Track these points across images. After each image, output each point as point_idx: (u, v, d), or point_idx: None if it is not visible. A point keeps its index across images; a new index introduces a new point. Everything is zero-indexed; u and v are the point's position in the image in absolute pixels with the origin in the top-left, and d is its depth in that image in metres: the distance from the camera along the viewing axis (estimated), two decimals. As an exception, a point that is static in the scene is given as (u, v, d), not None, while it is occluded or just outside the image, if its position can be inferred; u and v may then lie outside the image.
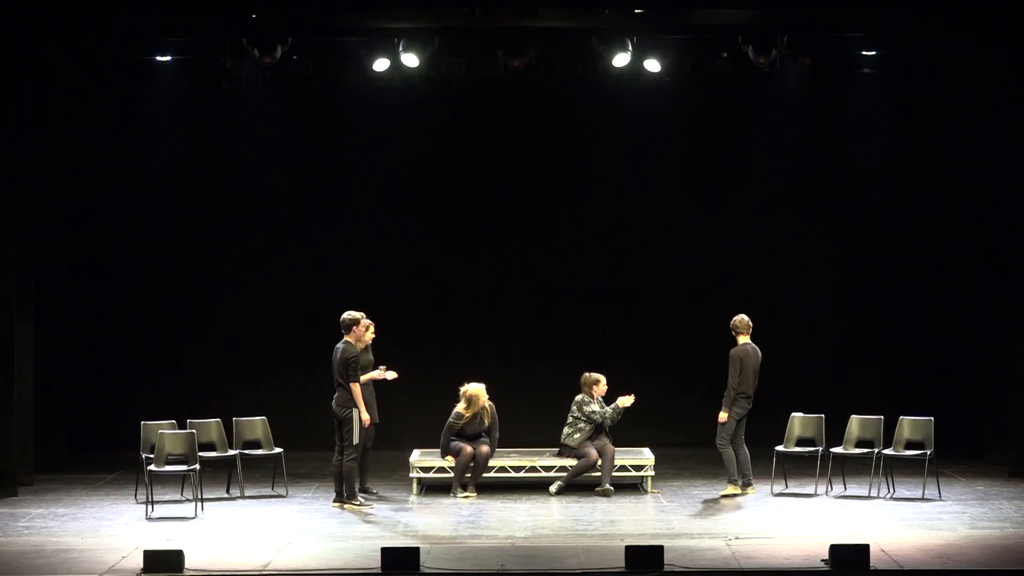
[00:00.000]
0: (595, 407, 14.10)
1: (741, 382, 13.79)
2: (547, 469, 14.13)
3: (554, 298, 16.98)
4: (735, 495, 13.83)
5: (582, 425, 14.11)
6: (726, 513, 13.07)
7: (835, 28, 15.47)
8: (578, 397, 14.17)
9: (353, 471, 13.43)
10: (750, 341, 13.98)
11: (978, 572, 10.69)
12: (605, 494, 13.86)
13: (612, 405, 14.08)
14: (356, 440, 13.32)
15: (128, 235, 16.95)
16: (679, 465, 15.47)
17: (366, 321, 13.68)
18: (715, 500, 13.75)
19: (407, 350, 15.35)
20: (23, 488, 14.36)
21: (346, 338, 13.41)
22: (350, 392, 13.24)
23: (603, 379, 14.18)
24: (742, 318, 14.01)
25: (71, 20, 14.70)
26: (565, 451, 14.16)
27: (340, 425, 13.40)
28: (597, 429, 14.11)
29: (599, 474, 14.00)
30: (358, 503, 13.41)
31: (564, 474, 14.01)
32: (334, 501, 13.55)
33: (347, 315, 13.47)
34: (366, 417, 13.32)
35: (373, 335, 13.85)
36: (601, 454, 13.98)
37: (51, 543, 11.80)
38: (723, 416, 13.81)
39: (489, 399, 14.08)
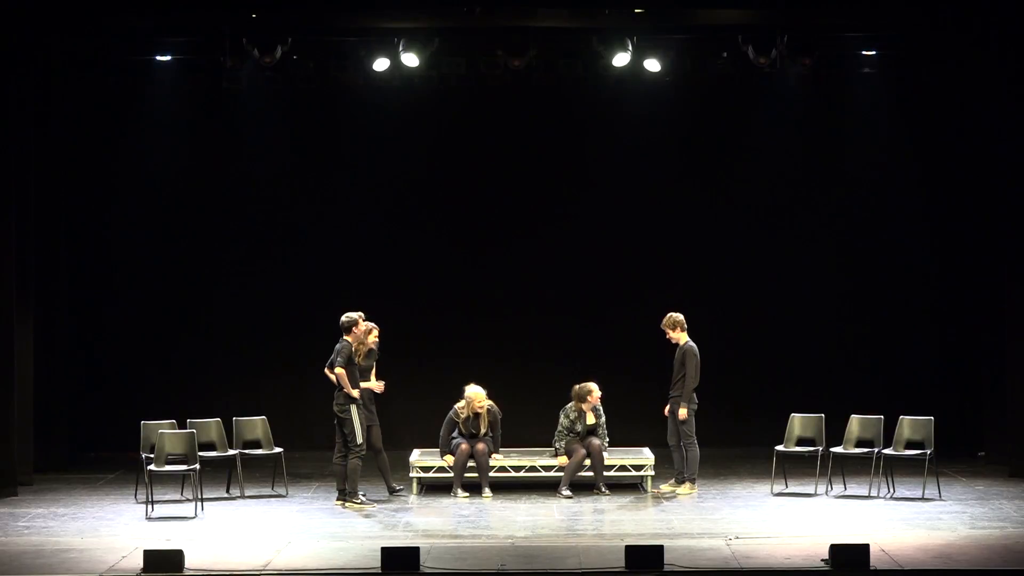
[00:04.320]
0: (564, 421, 14.10)
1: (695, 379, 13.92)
2: (547, 469, 14.14)
3: (554, 298, 16.97)
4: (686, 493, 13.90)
5: (565, 433, 14.13)
6: (726, 513, 13.07)
7: (835, 28, 15.47)
8: (567, 406, 14.18)
9: (357, 469, 13.44)
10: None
11: (978, 572, 10.69)
12: (599, 493, 13.88)
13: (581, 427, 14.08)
14: (360, 439, 13.34)
15: (128, 235, 16.95)
16: (679, 465, 15.47)
17: (369, 324, 13.73)
18: (711, 499, 13.77)
19: (407, 350, 15.38)
20: (23, 488, 14.36)
21: (345, 338, 13.43)
22: (341, 386, 13.27)
23: (595, 388, 14.12)
24: (681, 316, 14.00)
25: (71, 20, 14.70)
26: (559, 452, 14.18)
27: (340, 425, 13.42)
28: (589, 434, 14.10)
29: (592, 474, 14.03)
30: (359, 502, 13.42)
31: (562, 474, 14.02)
32: (337, 500, 13.57)
33: (345, 317, 13.50)
34: (355, 393, 13.31)
35: (376, 339, 13.87)
36: (589, 454, 13.99)
37: (51, 543, 11.80)
38: (684, 413, 13.84)
39: (492, 403, 14.13)
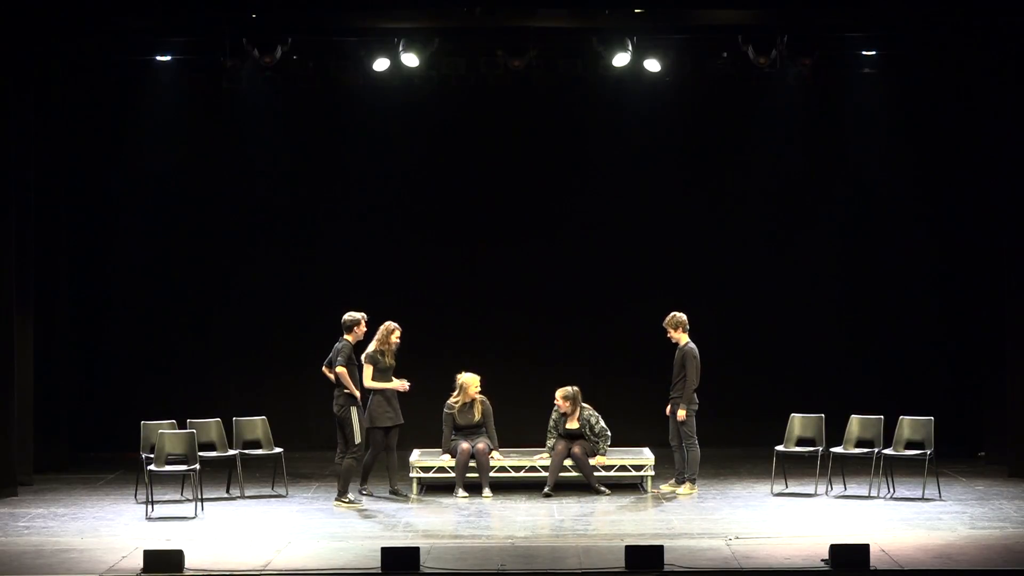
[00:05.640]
0: (550, 421, 14.18)
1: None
2: (546, 469, 14.12)
3: (554, 297, 16.98)
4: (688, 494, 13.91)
5: (553, 433, 14.17)
6: (726, 513, 13.07)
7: (835, 28, 15.47)
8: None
9: (351, 469, 13.46)
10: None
11: (978, 572, 10.69)
12: (599, 493, 13.89)
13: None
14: (358, 439, 13.36)
15: (128, 235, 16.95)
16: (679, 465, 15.47)
17: (392, 324, 13.77)
18: (711, 499, 13.77)
19: (407, 350, 15.34)
20: (23, 488, 14.37)
21: (345, 337, 13.44)
22: (342, 386, 13.28)
23: (557, 394, 14.13)
24: (684, 317, 14.00)
25: (71, 20, 14.70)
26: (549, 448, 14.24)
27: (340, 425, 13.43)
28: (573, 435, 14.11)
29: (578, 475, 14.07)
30: (347, 500, 13.43)
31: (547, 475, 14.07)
32: (336, 499, 13.58)
33: (347, 316, 13.53)
34: (357, 394, 13.37)
35: (399, 340, 13.88)
36: (573, 457, 14.00)
37: (51, 543, 11.80)
38: (683, 414, 13.84)
39: (483, 394, 14.22)
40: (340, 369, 13.34)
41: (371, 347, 13.81)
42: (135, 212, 16.95)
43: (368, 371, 13.72)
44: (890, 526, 12.36)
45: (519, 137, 16.94)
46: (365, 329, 13.60)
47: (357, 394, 13.39)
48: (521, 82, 16.03)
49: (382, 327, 13.87)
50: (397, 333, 13.87)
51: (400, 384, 13.84)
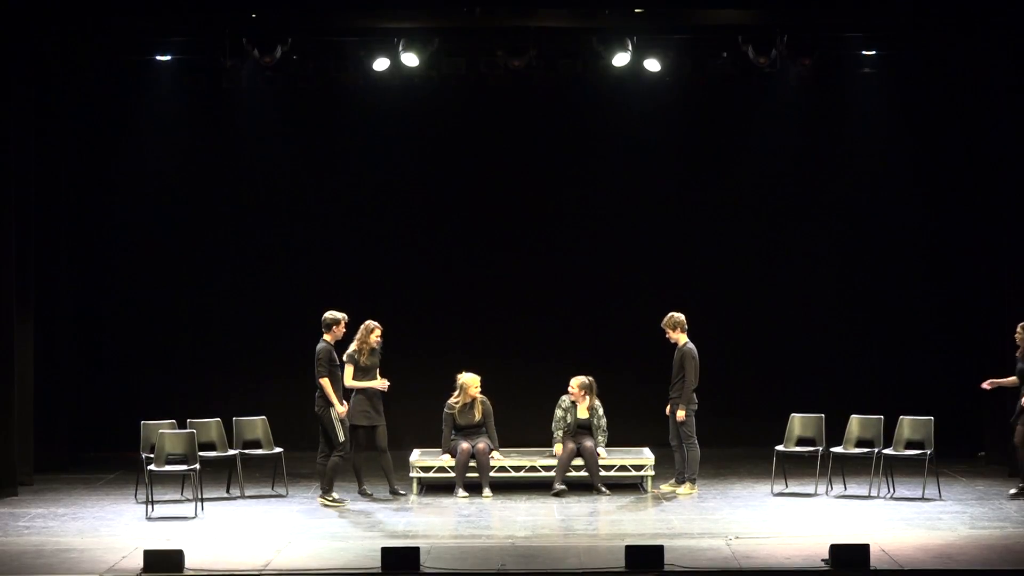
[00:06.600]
0: (558, 412, 14.16)
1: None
2: (547, 469, 14.14)
3: (554, 297, 16.99)
4: (688, 494, 13.91)
5: (561, 425, 14.16)
6: (726, 513, 13.07)
7: (835, 28, 15.47)
8: (562, 397, 14.22)
9: (336, 468, 13.49)
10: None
11: (978, 572, 10.70)
12: (599, 493, 13.88)
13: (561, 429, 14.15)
14: (341, 437, 13.39)
15: (128, 235, 16.96)
16: (679, 465, 15.47)
17: (371, 324, 13.76)
18: (711, 499, 13.77)
19: (407, 350, 15.39)
20: (23, 488, 14.37)
21: (324, 336, 13.46)
22: (322, 389, 13.32)
23: (572, 382, 14.14)
24: (682, 317, 13.99)
25: (71, 20, 14.70)
26: (556, 441, 14.20)
27: (322, 426, 13.49)
28: (580, 428, 14.11)
29: (586, 474, 14.04)
30: (331, 499, 13.44)
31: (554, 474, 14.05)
32: (320, 497, 13.59)
33: (327, 315, 13.56)
34: (341, 410, 13.42)
35: (379, 339, 13.87)
36: (581, 454, 14.00)
37: (51, 543, 11.80)
38: (682, 415, 13.83)
39: (483, 394, 14.22)
40: (322, 381, 13.37)
41: (351, 347, 13.82)
42: (135, 212, 16.96)
43: (348, 371, 13.72)
44: (890, 526, 12.36)
45: (519, 137, 16.95)
46: (344, 329, 13.60)
47: (339, 408, 13.39)
48: (521, 82, 16.02)
49: (362, 326, 13.87)
50: (377, 333, 13.85)
51: (380, 383, 13.83)
